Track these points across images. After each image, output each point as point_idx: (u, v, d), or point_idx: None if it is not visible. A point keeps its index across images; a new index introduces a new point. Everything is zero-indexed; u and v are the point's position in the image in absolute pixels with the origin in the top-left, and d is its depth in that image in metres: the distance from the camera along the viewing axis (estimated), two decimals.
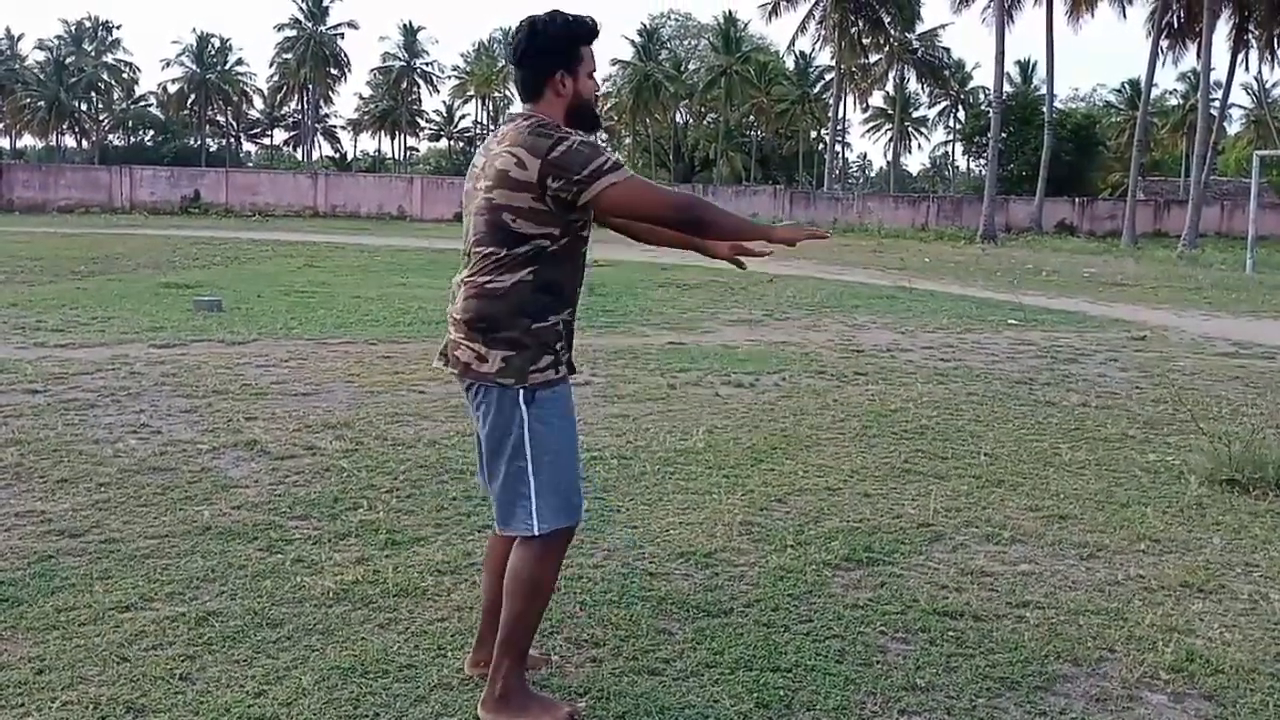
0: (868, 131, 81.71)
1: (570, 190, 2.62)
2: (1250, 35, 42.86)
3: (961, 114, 73.60)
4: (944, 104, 75.81)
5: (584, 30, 2.79)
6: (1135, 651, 3.33)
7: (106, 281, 13.93)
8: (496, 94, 79.45)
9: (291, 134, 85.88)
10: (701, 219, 2.76)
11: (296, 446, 5.52)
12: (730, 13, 77.14)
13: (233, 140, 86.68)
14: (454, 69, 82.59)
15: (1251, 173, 28.13)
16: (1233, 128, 71.08)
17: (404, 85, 79.05)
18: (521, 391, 2.70)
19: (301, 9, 74.58)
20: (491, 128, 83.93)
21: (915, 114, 77.47)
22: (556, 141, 2.62)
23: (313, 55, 72.90)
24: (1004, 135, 47.02)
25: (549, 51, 2.75)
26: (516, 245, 2.68)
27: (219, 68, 78.80)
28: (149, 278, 14.55)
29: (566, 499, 2.76)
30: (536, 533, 2.72)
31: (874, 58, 61.88)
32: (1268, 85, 58.45)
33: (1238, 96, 68.64)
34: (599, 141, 2.73)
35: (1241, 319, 14.09)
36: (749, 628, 3.41)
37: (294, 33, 74.95)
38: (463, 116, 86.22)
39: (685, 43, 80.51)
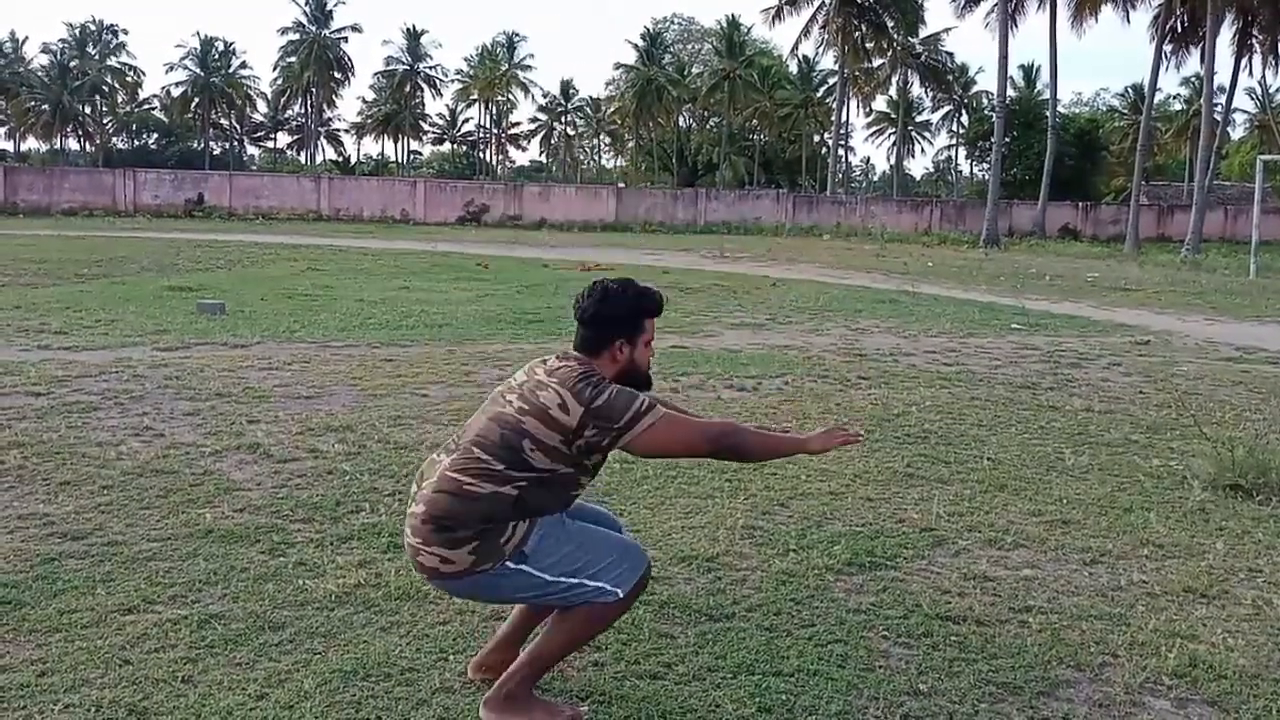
0: (871, 136, 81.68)
1: (608, 436, 2.69)
2: (1254, 40, 42.83)
3: (965, 118, 73.63)
4: (947, 108, 75.86)
5: (651, 305, 2.89)
6: (1138, 657, 3.32)
7: (110, 284, 13.95)
8: (499, 97, 79.55)
9: (295, 137, 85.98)
10: (736, 448, 2.83)
11: (299, 449, 5.52)
12: (733, 16, 77.19)
13: (236, 144, 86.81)
14: (457, 72, 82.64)
15: (1255, 177, 28.09)
16: (1236, 132, 71.13)
17: (407, 89, 79.09)
18: (507, 563, 2.70)
19: (305, 12, 74.74)
20: (493, 130, 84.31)
21: (918, 118, 77.52)
22: (599, 392, 2.69)
23: (316, 59, 73.00)
24: (1007, 140, 47.05)
25: (615, 320, 2.83)
26: (516, 469, 2.70)
27: (223, 71, 78.92)
28: (152, 281, 14.57)
29: (626, 558, 2.78)
30: (622, 596, 2.76)
31: (877, 62, 61.86)
32: (1271, 90, 58.33)
33: (1241, 101, 68.47)
34: (636, 392, 2.78)
35: (1245, 323, 14.07)
36: (751, 632, 3.40)
37: (297, 36, 75.07)
38: (466, 120, 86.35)
39: (688, 47, 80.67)
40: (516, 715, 2.76)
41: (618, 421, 2.68)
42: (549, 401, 2.70)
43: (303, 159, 79.64)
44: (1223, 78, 47.04)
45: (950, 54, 74.71)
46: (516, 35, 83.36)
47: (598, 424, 2.68)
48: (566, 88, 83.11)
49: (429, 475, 2.79)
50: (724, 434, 2.80)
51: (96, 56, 79.05)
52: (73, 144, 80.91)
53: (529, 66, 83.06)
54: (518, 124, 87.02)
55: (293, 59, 75.23)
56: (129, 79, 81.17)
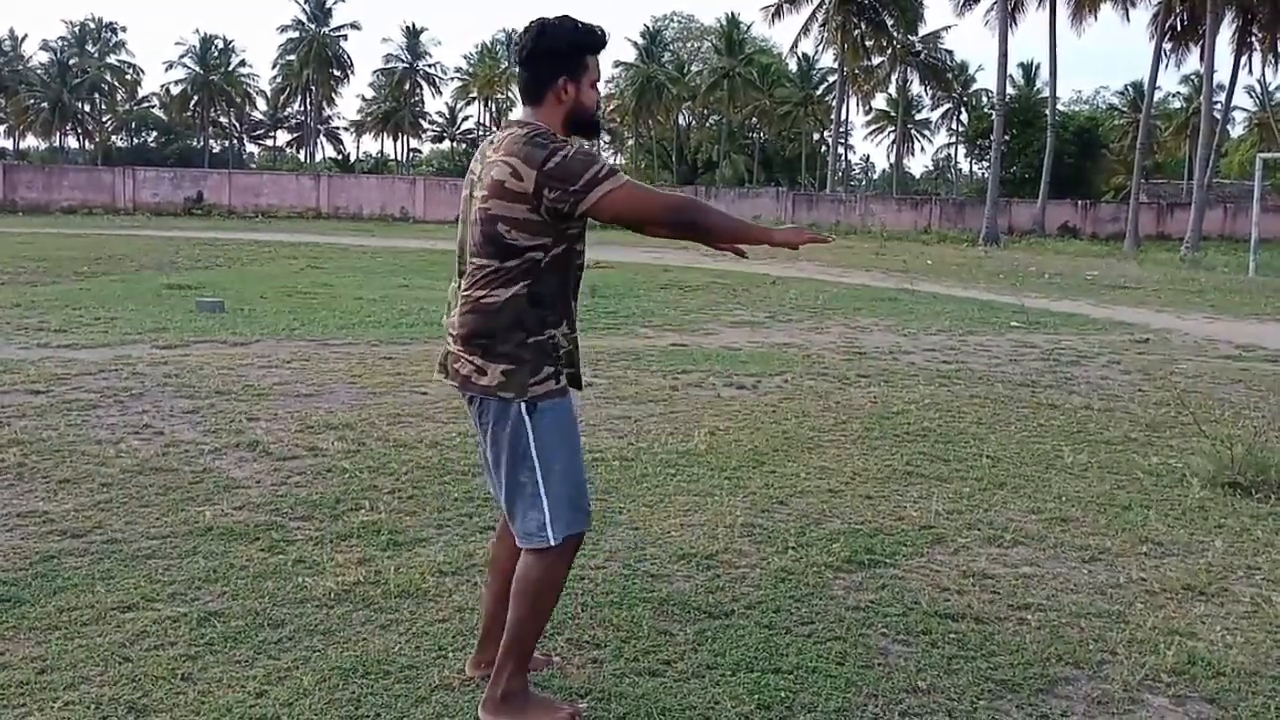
0: (870, 134, 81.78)
1: (567, 200, 2.61)
2: (1254, 38, 42.80)
3: (964, 116, 73.62)
4: (947, 106, 75.82)
5: (592, 39, 2.77)
6: (1137, 654, 3.33)
7: (109, 282, 13.95)
8: (499, 95, 79.49)
9: (294, 135, 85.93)
10: (698, 222, 2.72)
11: (298, 447, 5.52)
12: (733, 14, 77.29)
13: (236, 142, 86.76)
14: (457, 70, 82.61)
15: (1255, 175, 28.09)
16: (1236, 130, 71.08)
17: (406, 86, 79.05)
18: (524, 404, 2.70)
19: (304, 10, 74.66)
20: (494, 129, 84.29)
21: (918, 116, 77.48)
22: (552, 152, 2.61)
23: (315, 56, 72.94)
24: (1007, 138, 47.06)
25: (555, 55, 2.73)
26: (510, 258, 2.67)
27: (222, 69, 78.84)
28: (152, 279, 14.56)
29: (576, 507, 2.77)
30: (552, 543, 2.72)
31: (877, 60, 61.81)
32: (1271, 88, 58.38)
33: (1241, 99, 68.45)
34: (594, 149, 2.71)
35: (1244, 322, 14.07)
36: (750, 629, 3.41)
37: (297, 34, 75.01)
38: (465, 118, 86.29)
39: (688, 45, 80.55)
40: (515, 715, 2.75)
41: (574, 183, 2.59)
42: (501, 175, 2.63)
43: (302, 157, 79.57)
44: (1222, 75, 47.05)
45: (950, 52, 74.66)
46: (517, 33, 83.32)
47: (553, 185, 2.59)
48: None
49: (454, 303, 2.79)
50: (687, 206, 2.71)
51: (96, 54, 79.01)
52: (72, 142, 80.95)
53: None
54: None
55: (292, 57, 75.16)
56: (128, 77, 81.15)
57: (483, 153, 2.78)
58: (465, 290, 2.74)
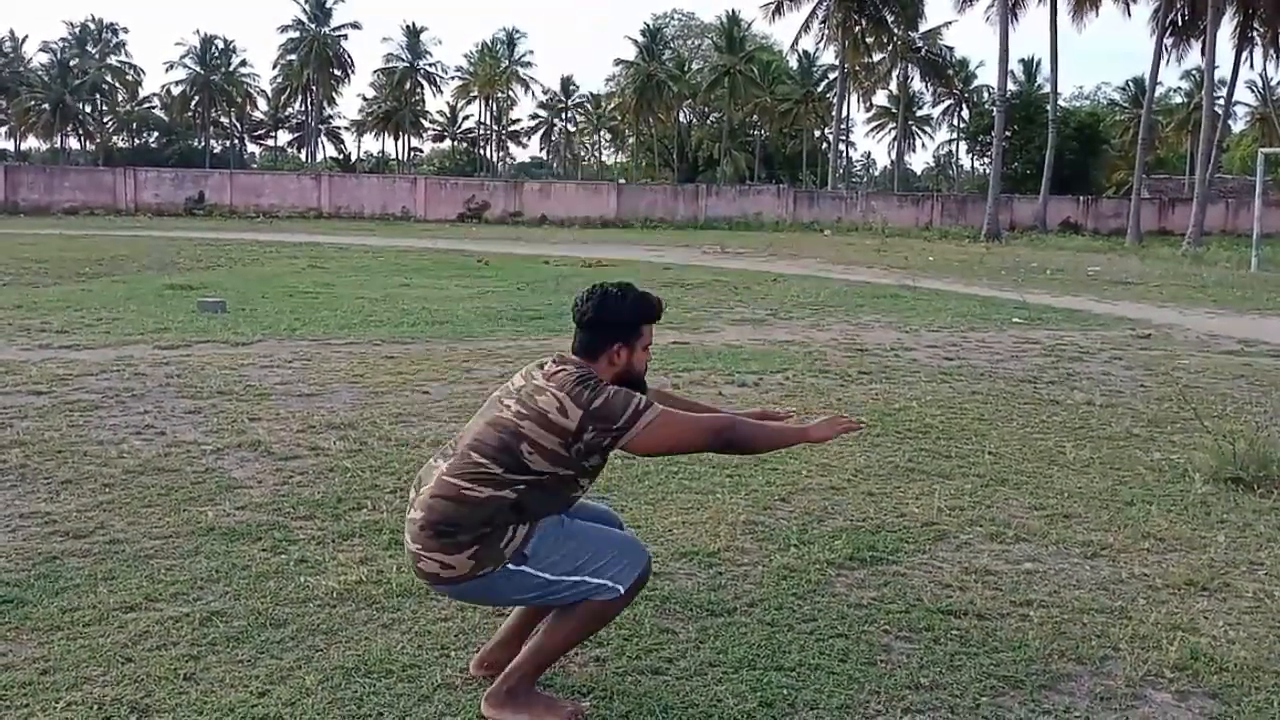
0: (871, 130, 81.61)
1: (608, 437, 2.69)
2: (1255, 33, 42.73)
3: (965, 113, 73.58)
4: (948, 103, 75.79)
5: (650, 311, 2.88)
6: (1139, 650, 3.32)
7: (111, 283, 13.96)
8: (500, 94, 79.49)
9: (295, 135, 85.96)
10: (736, 443, 2.85)
11: (300, 447, 5.52)
12: (733, 12, 77.24)
13: (237, 142, 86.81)
14: (457, 69, 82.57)
15: (1256, 170, 28.04)
16: (1237, 125, 71.01)
17: (407, 86, 79.04)
18: (508, 565, 2.71)
19: (305, 10, 74.68)
20: (494, 128, 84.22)
21: (919, 113, 77.42)
22: (597, 394, 2.69)
23: (316, 56, 72.96)
24: (1008, 134, 47.02)
25: (614, 325, 2.83)
26: (516, 472, 2.70)
27: (223, 69, 78.89)
28: (153, 279, 14.57)
29: (626, 554, 2.78)
30: (624, 592, 2.76)
31: (877, 56, 61.78)
32: (1272, 83, 58.12)
33: (1242, 94, 68.29)
34: (633, 392, 2.79)
35: (1246, 317, 14.05)
36: (752, 627, 3.41)
37: (297, 34, 75.03)
38: (466, 117, 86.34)
39: (688, 42, 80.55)
40: (518, 711, 2.76)
41: (617, 422, 2.69)
42: (547, 406, 2.70)
43: (303, 157, 79.60)
44: (1224, 71, 46.91)
45: (950, 48, 74.54)
46: (516, 32, 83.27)
47: (596, 425, 2.68)
48: (567, 84, 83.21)
49: (426, 481, 2.79)
50: (723, 429, 2.81)
51: (96, 55, 79.04)
52: (73, 143, 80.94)
53: (529, 63, 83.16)
54: (518, 121, 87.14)
55: (292, 57, 75.19)
56: (129, 78, 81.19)
57: (530, 373, 2.85)
58: (448, 474, 2.74)
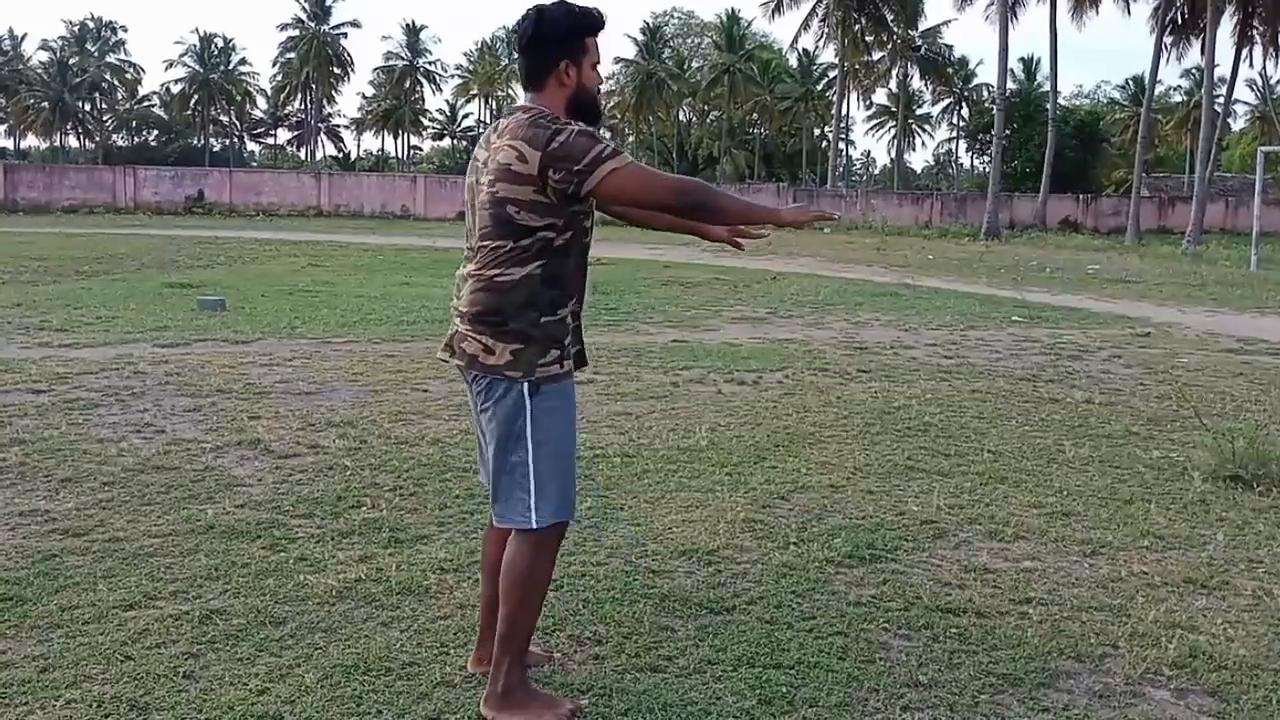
0: (871, 129, 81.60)
1: (571, 181, 2.61)
2: (1254, 31, 42.71)
3: (965, 111, 73.55)
4: (948, 101, 75.73)
5: (589, 21, 2.78)
6: (1138, 648, 3.33)
7: (110, 281, 13.95)
8: (499, 92, 79.43)
9: (295, 133, 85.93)
10: (705, 204, 2.72)
11: (300, 445, 5.52)
12: (733, 10, 77.12)
13: (236, 140, 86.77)
14: (457, 68, 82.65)
15: (1256, 169, 28.04)
16: (1237, 124, 71.00)
17: (407, 84, 79.03)
18: (528, 384, 2.70)
19: (304, 9, 74.63)
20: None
21: (919, 111, 77.38)
22: (555, 132, 2.61)
23: (316, 55, 72.93)
24: (1008, 132, 47.05)
25: (554, 40, 2.75)
26: (522, 238, 2.68)
27: (222, 68, 78.86)
28: (153, 277, 14.57)
29: (564, 494, 2.77)
30: (534, 526, 2.72)
31: (877, 55, 61.79)
32: (1272, 81, 58.10)
33: (1242, 93, 68.32)
34: (599, 132, 2.72)
35: (1245, 315, 14.06)
36: (751, 625, 3.41)
37: (297, 32, 74.99)
38: (466, 115, 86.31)
39: (688, 41, 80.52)
40: (517, 710, 2.75)
41: (578, 164, 2.59)
42: (508, 159, 2.64)
43: (303, 155, 79.63)
44: (1223, 69, 46.89)
45: (950, 47, 74.68)
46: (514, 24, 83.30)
47: (557, 165, 2.60)
48: None
49: (463, 286, 2.78)
50: (694, 188, 2.70)
51: (96, 54, 79.00)
52: (72, 141, 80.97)
53: None
54: None
55: (292, 55, 75.18)
56: (128, 76, 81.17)
57: (487, 139, 2.79)
58: (476, 270, 2.74)
